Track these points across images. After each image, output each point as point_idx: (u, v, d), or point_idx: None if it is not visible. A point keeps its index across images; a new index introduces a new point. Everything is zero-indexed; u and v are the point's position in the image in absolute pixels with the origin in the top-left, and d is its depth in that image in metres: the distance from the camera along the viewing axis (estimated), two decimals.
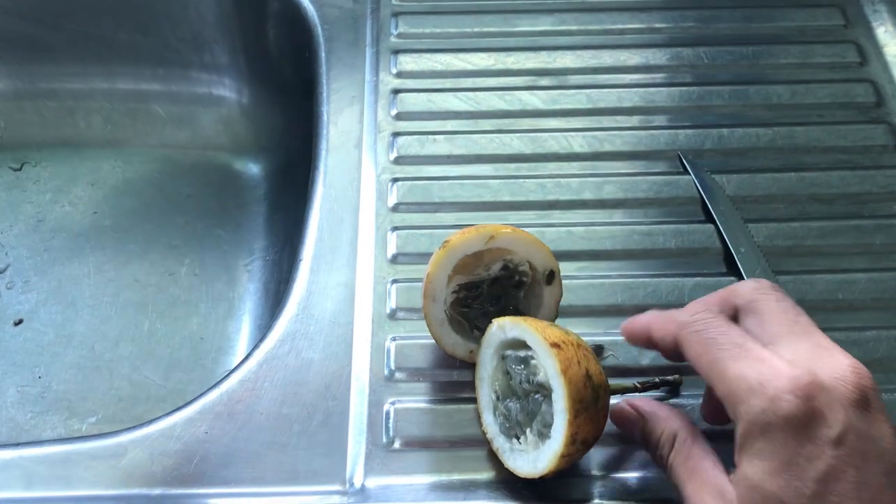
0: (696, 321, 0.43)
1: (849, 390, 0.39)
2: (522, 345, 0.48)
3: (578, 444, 0.45)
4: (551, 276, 0.53)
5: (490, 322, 0.51)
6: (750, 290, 0.45)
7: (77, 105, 0.88)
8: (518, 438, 0.49)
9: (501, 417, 0.50)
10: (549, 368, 0.45)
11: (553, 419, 0.45)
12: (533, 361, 0.47)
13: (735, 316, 0.45)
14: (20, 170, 0.86)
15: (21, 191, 0.85)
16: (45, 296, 0.78)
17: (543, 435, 0.47)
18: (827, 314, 0.58)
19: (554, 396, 0.45)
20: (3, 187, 0.85)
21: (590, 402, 0.45)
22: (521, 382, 0.48)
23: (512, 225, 0.53)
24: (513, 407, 0.49)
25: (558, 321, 0.57)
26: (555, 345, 0.45)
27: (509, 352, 0.49)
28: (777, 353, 0.41)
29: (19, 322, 0.76)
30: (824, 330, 0.55)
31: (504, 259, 0.52)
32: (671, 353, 0.46)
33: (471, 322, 0.54)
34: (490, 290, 0.53)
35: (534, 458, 0.47)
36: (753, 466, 0.39)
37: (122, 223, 0.82)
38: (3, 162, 0.86)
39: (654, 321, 0.46)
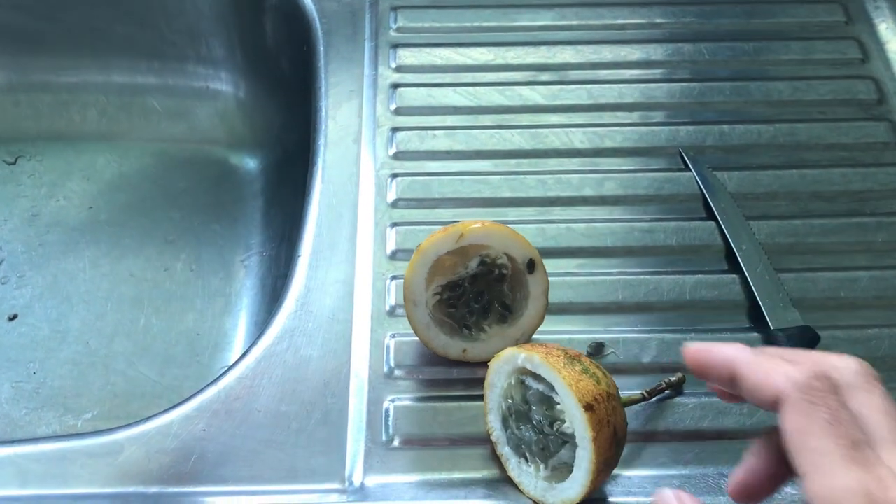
0: (812, 390, 0.36)
1: None
2: (543, 378, 0.47)
3: (595, 488, 0.46)
4: (532, 265, 0.52)
5: (479, 319, 0.52)
6: (853, 372, 0.38)
7: (72, 98, 0.87)
8: (527, 459, 0.49)
9: (510, 432, 0.49)
10: (579, 431, 0.45)
11: (573, 470, 0.46)
12: (558, 406, 0.46)
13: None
14: (15, 163, 0.85)
15: (16, 185, 0.84)
16: (39, 291, 0.77)
17: (558, 474, 0.47)
18: (829, 312, 0.57)
19: (579, 454, 0.45)
20: None
21: (612, 456, 0.46)
22: (540, 420, 0.47)
23: (500, 221, 0.53)
24: (527, 435, 0.48)
25: (557, 318, 0.56)
26: (588, 407, 0.45)
27: (530, 381, 0.48)
28: (884, 462, 0.34)
29: (14, 317, 0.75)
30: (826, 328, 0.55)
31: (480, 255, 0.52)
32: (733, 391, 0.39)
33: (458, 322, 0.53)
34: (472, 287, 0.53)
35: (543, 489, 0.48)
36: None
37: (117, 218, 0.82)
38: None
39: (746, 362, 0.38)
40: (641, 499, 0.49)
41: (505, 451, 0.50)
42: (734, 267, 0.59)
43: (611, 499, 0.49)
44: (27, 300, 0.76)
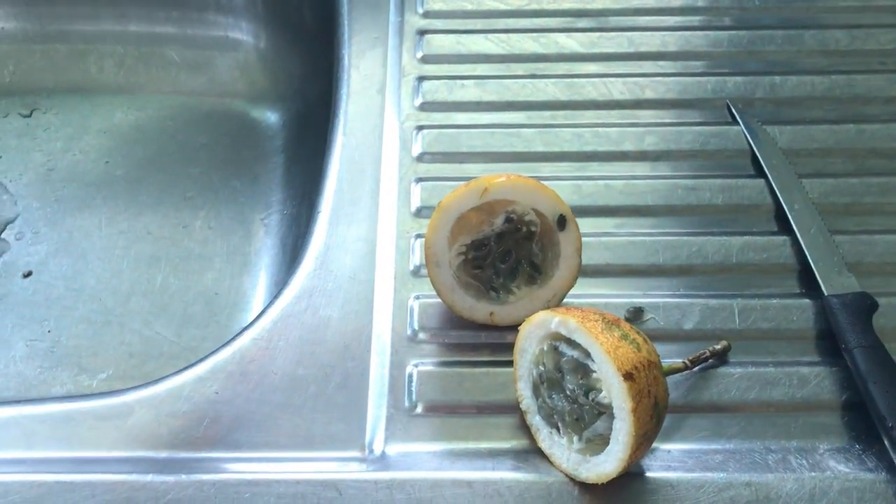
0: None
1: None
2: (578, 344, 0.44)
3: (632, 462, 0.43)
4: (563, 221, 0.48)
5: (506, 281, 0.49)
6: None
7: (88, 49, 0.84)
8: (559, 429, 0.45)
9: (541, 400, 0.46)
10: (617, 401, 0.42)
11: (609, 443, 0.43)
12: (594, 375, 0.43)
13: None
14: (30, 116, 0.83)
15: (31, 138, 0.82)
16: (54, 247, 0.75)
17: (593, 446, 0.44)
18: (886, 277, 0.54)
19: (616, 426, 0.42)
20: (13, 134, 0.82)
21: (651, 428, 0.43)
22: (574, 390, 0.44)
23: (533, 177, 0.49)
24: (559, 404, 0.45)
25: (593, 280, 0.53)
26: (628, 375, 0.41)
27: (564, 348, 0.45)
28: None
29: (28, 274, 0.73)
30: (885, 294, 0.51)
31: (506, 211, 0.48)
32: None
33: (485, 283, 0.50)
34: (499, 246, 0.49)
35: (576, 461, 0.45)
36: None
37: (134, 173, 0.79)
38: (13, 108, 0.83)
39: None
40: (682, 474, 0.46)
41: (535, 420, 0.47)
42: (785, 228, 0.56)
43: (648, 473, 0.46)
44: (42, 257, 0.74)
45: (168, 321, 0.71)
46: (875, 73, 0.63)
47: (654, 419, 0.43)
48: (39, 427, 0.48)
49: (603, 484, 0.44)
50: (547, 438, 0.46)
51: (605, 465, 0.43)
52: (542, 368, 0.46)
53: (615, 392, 0.42)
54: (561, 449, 0.45)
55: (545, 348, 0.45)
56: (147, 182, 0.78)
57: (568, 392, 0.45)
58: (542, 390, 0.46)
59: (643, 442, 0.43)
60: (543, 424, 0.46)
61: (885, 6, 0.67)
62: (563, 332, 0.44)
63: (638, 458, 0.44)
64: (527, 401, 0.47)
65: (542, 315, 0.45)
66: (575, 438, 0.45)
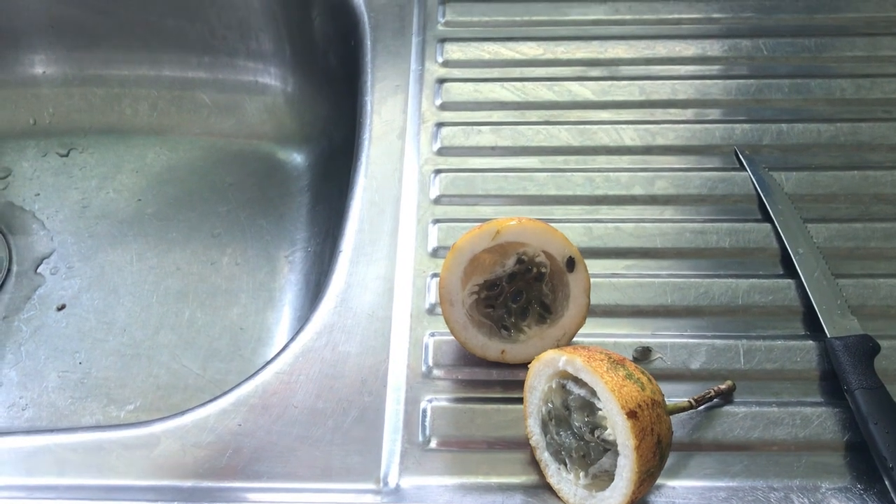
0: None
1: None
2: (585, 383, 0.45)
3: (634, 501, 0.44)
4: (571, 263, 0.50)
5: (517, 320, 0.50)
6: None
7: (124, 92, 0.88)
8: (566, 465, 0.47)
9: (550, 437, 0.48)
10: (621, 438, 0.43)
11: (614, 479, 0.44)
12: (600, 413, 0.45)
13: None
14: (67, 156, 0.86)
15: (67, 176, 0.85)
16: (87, 282, 0.78)
17: (599, 482, 0.45)
18: (889, 321, 0.55)
19: (620, 463, 0.44)
20: (51, 173, 0.85)
21: (655, 465, 0.44)
22: (581, 427, 0.46)
23: (545, 220, 0.51)
24: (567, 441, 0.47)
25: (603, 320, 0.55)
26: (632, 413, 0.43)
27: (572, 386, 0.46)
28: None
29: (62, 307, 0.76)
30: (886, 338, 0.52)
31: (517, 252, 0.50)
32: None
33: (497, 322, 0.52)
34: (510, 286, 0.51)
35: (583, 497, 0.46)
36: None
37: (165, 211, 0.82)
38: (51, 147, 0.87)
39: None
40: None
41: (544, 456, 0.48)
42: (790, 271, 0.57)
43: None
44: (75, 291, 0.77)
45: (195, 355, 0.73)
46: (879, 122, 0.65)
47: (657, 456, 0.44)
48: (70, 455, 0.50)
49: None
50: (555, 474, 0.48)
51: (610, 501, 0.45)
52: (550, 406, 0.47)
53: (619, 430, 0.43)
54: (568, 484, 0.47)
55: (553, 386, 0.47)
56: (177, 220, 0.81)
57: (575, 429, 0.46)
58: (551, 427, 0.47)
59: (647, 478, 0.44)
60: (552, 460, 0.48)
61: (890, 56, 0.68)
62: (570, 370, 0.45)
63: (642, 494, 0.45)
64: (536, 437, 0.49)
65: (550, 354, 0.47)
66: (581, 474, 0.46)
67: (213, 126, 0.87)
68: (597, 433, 0.45)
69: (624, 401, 0.43)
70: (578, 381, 0.46)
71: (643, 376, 0.45)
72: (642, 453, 0.43)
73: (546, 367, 0.47)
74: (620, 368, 0.45)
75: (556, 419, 0.47)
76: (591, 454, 0.46)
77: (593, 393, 0.45)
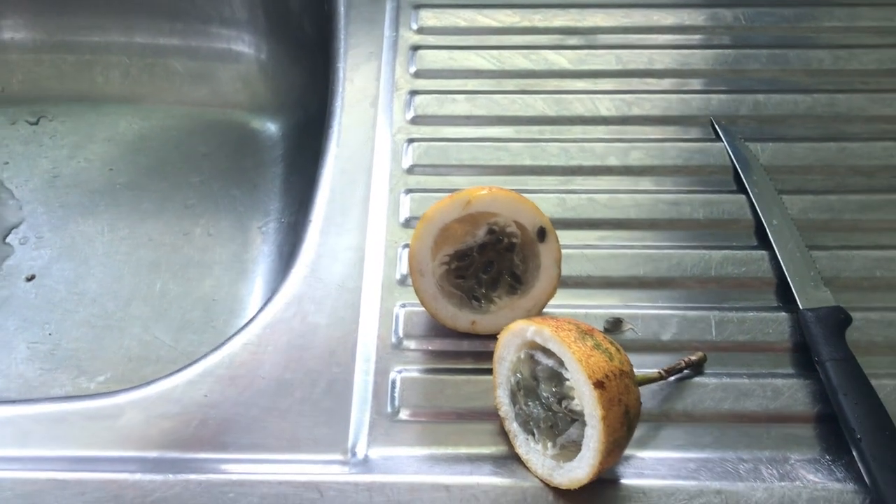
0: None
1: None
2: (553, 353, 0.45)
3: (603, 469, 0.44)
4: (542, 233, 0.50)
5: (488, 291, 0.50)
6: None
7: (95, 59, 0.86)
8: (534, 435, 0.47)
9: (519, 408, 0.47)
10: (588, 409, 0.43)
11: (581, 448, 0.44)
12: (567, 383, 0.44)
13: None
14: (37, 124, 0.85)
15: (37, 145, 0.84)
16: (58, 252, 0.77)
17: (567, 452, 0.45)
18: (863, 293, 0.55)
19: (588, 433, 0.43)
20: (20, 141, 0.84)
21: (623, 436, 0.44)
22: (549, 398, 0.45)
23: (519, 190, 0.50)
24: (535, 411, 0.46)
25: (574, 291, 0.54)
26: (599, 384, 0.43)
27: (540, 356, 0.46)
28: None
29: (31, 278, 0.75)
30: (859, 310, 0.52)
31: (488, 223, 0.50)
32: None
33: (467, 293, 0.51)
34: (481, 256, 0.51)
35: (550, 467, 0.46)
36: None
37: (137, 181, 0.81)
38: (20, 115, 0.85)
39: None
40: (654, 481, 0.47)
41: (513, 427, 0.48)
42: (764, 243, 0.57)
43: (623, 480, 0.47)
44: (45, 261, 0.76)
45: (167, 326, 0.72)
46: (856, 93, 0.64)
47: (624, 427, 0.44)
48: (34, 426, 0.49)
49: (577, 489, 0.45)
50: (524, 444, 0.47)
51: (578, 471, 0.44)
52: (519, 376, 0.47)
53: (586, 400, 0.43)
54: (536, 455, 0.47)
55: (522, 357, 0.47)
56: (149, 190, 0.80)
57: (543, 400, 0.46)
58: (520, 397, 0.47)
59: (614, 449, 0.44)
60: (520, 430, 0.47)
61: (868, 27, 0.68)
62: (539, 340, 0.45)
63: (610, 465, 0.45)
64: (505, 408, 0.48)
65: (519, 324, 0.46)
66: (549, 445, 0.46)
67: (186, 95, 0.86)
68: (564, 403, 0.44)
69: (591, 371, 0.43)
70: (547, 352, 0.45)
71: (612, 346, 0.45)
72: (609, 423, 0.43)
73: (515, 337, 0.46)
74: (589, 339, 0.44)
75: (524, 390, 0.47)
76: (559, 424, 0.45)
77: (561, 363, 0.44)
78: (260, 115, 0.85)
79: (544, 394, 0.46)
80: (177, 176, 0.81)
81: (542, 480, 0.46)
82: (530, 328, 0.45)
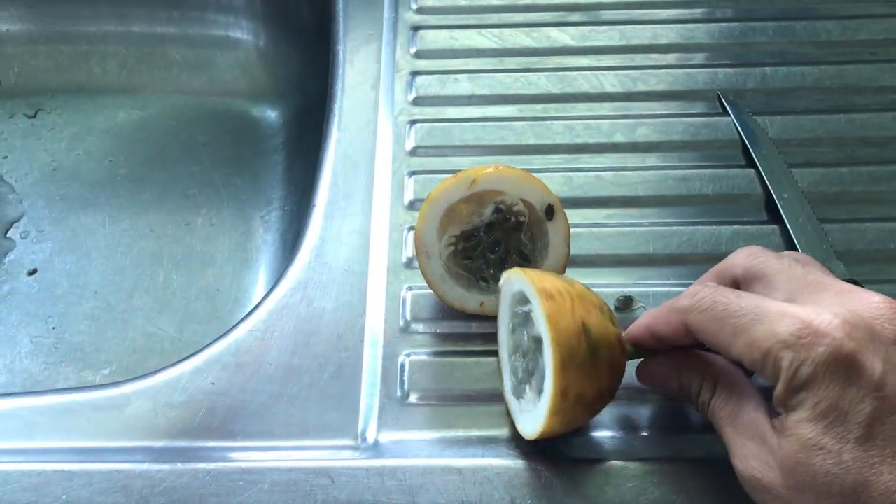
0: (700, 300, 0.40)
1: (885, 328, 0.37)
2: (527, 299, 0.44)
3: (571, 400, 0.41)
4: (550, 211, 0.49)
5: (496, 271, 0.49)
6: (744, 257, 0.43)
7: (91, 49, 0.85)
8: (523, 397, 0.46)
9: (511, 375, 0.47)
10: (538, 318, 0.42)
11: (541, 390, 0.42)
12: (532, 315, 0.43)
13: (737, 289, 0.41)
14: (35, 117, 0.84)
15: (36, 138, 0.83)
16: (59, 245, 0.76)
17: (541, 392, 0.43)
18: (877, 265, 0.54)
19: (543, 347, 0.41)
20: (18, 134, 0.83)
21: (585, 357, 0.41)
22: (524, 338, 0.45)
23: (524, 169, 0.49)
24: (519, 365, 0.45)
25: (584, 270, 0.54)
26: (547, 294, 0.41)
27: (518, 308, 0.45)
28: (800, 306, 0.37)
29: (33, 272, 0.74)
30: (874, 283, 0.51)
31: (495, 201, 0.49)
32: (686, 343, 0.42)
33: (475, 274, 0.51)
34: (488, 236, 0.50)
35: (532, 418, 0.44)
36: (796, 415, 0.36)
37: (137, 171, 0.80)
38: (18, 109, 0.85)
39: (654, 319, 0.43)
40: (660, 461, 0.46)
41: (510, 399, 0.47)
42: (774, 217, 0.56)
43: (624, 460, 0.46)
44: (47, 255, 0.75)
45: (170, 317, 0.72)
46: (865, 63, 0.63)
47: (584, 345, 0.41)
48: (40, 418, 0.49)
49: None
50: (518, 414, 0.46)
51: (545, 398, 0.42)
52: (510, 343, 0.47)
53: (537, 313, 0.41)
54: (525, 417, 0.45)
55: (508, 319, 0.46)
56: (149, 180, 0.79)
57: (523, 348, 0.45)
58: (510, 362, 0.47)
59: (572, 365, 0.40)
60: (513, 399, 0.46)
61: None
62: (512, 286, 0.45)
63: (580, 393, 0.41)
64: (505, 384, 0.47)
65: (501, 286, 0.46)
66: (528, 389, 0.45)
67: (184, 83, 0.85)
68: (530, 334, 0.44)
69: (541, 284, 0.42)
70: (523, 301, 0.45)
71: (579, 287, 0.43)
72: (560, 330, 0.40)
73: (504, 303, 0.46)
74: (562, 279, 0.44)
75: (511, 351, 0.46)
76: (531, 364, 0.44)
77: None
78: (260, 102, 0.84)
79: (520, 334, 0.45)
80: (177, 166, 0.81)
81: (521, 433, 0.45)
82: (502, 278, 0.46)
